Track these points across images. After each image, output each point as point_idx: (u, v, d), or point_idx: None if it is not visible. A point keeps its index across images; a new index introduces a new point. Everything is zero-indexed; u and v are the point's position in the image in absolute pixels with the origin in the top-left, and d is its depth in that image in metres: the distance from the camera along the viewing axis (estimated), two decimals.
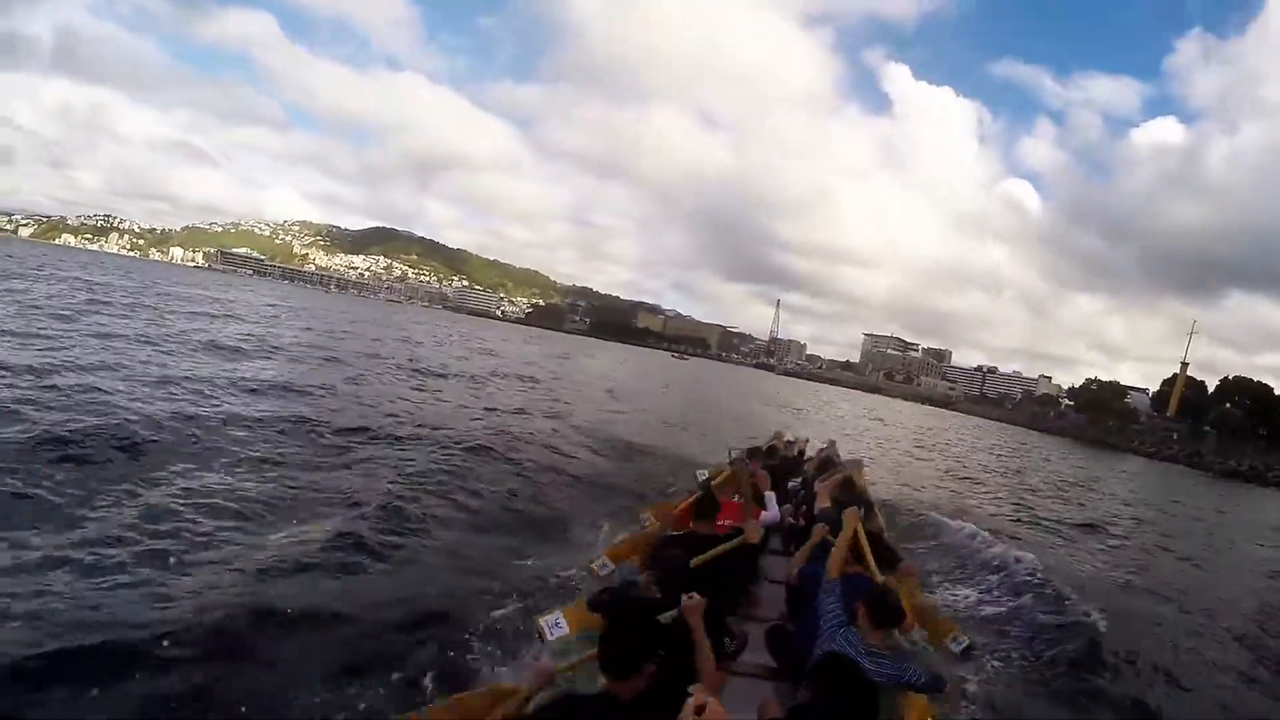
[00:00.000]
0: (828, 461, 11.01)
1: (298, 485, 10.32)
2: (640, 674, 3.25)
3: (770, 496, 8.12)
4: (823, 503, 7.32)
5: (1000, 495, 24.95)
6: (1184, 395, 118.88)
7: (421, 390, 23.58)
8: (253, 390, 17.41)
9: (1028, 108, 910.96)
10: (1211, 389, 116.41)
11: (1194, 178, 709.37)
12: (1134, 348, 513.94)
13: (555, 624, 5.28)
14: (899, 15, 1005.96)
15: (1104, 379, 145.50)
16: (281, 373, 21.44)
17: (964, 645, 6.01)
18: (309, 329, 44.18)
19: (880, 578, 5.66)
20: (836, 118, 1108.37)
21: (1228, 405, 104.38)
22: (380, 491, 10.39)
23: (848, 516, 5.73)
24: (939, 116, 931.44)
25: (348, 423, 15.32)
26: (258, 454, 11.54)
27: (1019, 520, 19.68)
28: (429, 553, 8.65)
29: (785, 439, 13.37)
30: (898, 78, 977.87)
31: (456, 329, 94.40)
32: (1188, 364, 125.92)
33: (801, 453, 13.13)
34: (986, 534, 13.83)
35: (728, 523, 6.65)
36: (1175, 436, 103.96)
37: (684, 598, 4.03)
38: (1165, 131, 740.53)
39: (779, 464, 10.94)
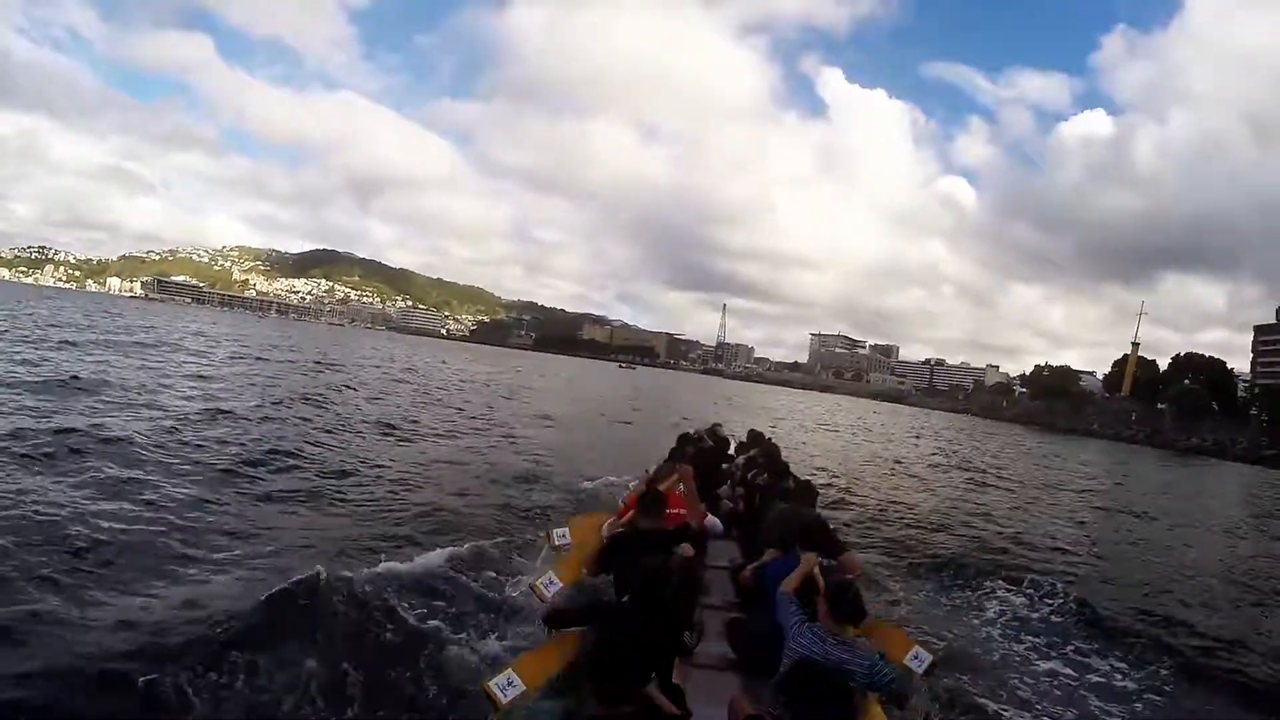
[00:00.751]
0: (755, 443, 12.67)
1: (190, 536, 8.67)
2: (638, 698, 3.23)
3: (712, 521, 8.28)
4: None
5: (979, 500, 21.55)
6: (1136, 375, 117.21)
7: (325, 433, 17.82)
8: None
9: (960, 105, 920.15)
10: (1161, 368, 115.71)
11: (1123, 167, 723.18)
12: (1076, 334, 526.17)
13: (508, 684, 4.30)
14: (831, 20, 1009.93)
15: (1040, 364, 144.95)
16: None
17: (927, 662, 5.24)
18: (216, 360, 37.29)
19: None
20: (774, 125, 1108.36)
21: (1186, 382, 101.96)
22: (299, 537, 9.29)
23: (806, 559, 5.46)
24: (874, 118, 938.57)
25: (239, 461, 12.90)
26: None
27: (1009, 533, 16.38)
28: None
29: (706, 430, 13.42)
30: (831, 81, 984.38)
31: (387, 349, 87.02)
32: (1139, 344, 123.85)
33: (725, 440, 13.66)
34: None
35: (679, 513, 6.94)
36: (1134, 416, 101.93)
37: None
38: (1093, 124, 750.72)
39: (702, 455, 10.57)
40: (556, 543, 6.81)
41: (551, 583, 5.62)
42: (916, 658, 5.26)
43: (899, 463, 30.49)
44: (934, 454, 38.99)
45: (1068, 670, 8.11)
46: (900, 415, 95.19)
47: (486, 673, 4.88)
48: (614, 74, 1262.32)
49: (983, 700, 6.77)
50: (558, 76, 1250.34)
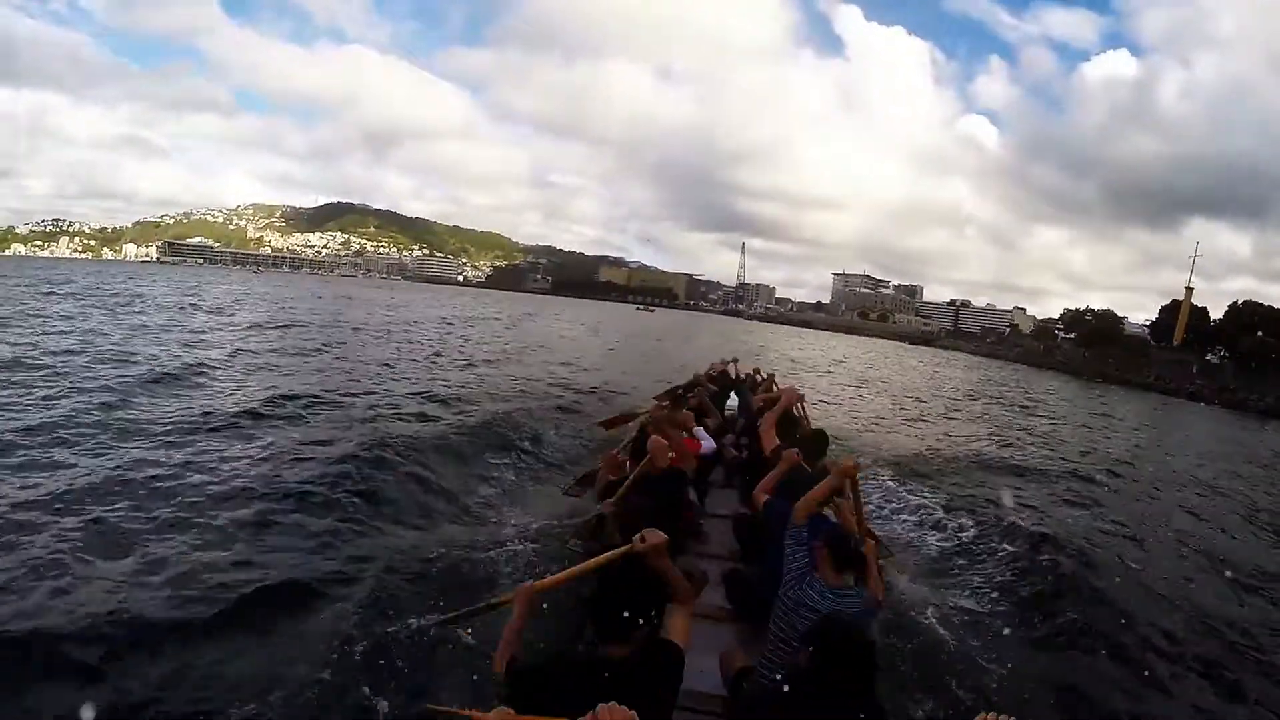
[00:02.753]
0: (764, 387, 11.89)
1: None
2: (633, 636, 3.17)
3: (700, 431, 8.24)
4: (769, 442, 6.86)
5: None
6: (1190, 323, 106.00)
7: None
8: None
9: (981, 44, 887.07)
10: (1213, 317, 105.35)
11: (1148, 109, 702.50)
12: (1099, 277, 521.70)
13: None
14: None
15: (1076, 308, 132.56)
16: None
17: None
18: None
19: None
20: (792, 64, 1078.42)
21: (1259, 334, 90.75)
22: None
23: (842, 468, 4.96)
24: (893, 56, 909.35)
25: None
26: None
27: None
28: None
29: (719, 368, 12.95)
30: (849, 19, 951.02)
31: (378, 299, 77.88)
32: (1192, 289, 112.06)
33: (736, 378, 13.03)
34: None
35: (672, 456, 6.30)
36: (1195, 369, 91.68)
37: (636, 539, 3.67)
38: (1117, 65, 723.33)
39: (709, 398, 10.29)
40: None
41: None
42: None
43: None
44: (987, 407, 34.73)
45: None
46: (951, 364, 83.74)
47: None
48: (628, 15, 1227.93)
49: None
50: (571, 19, 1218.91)
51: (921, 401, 32.72)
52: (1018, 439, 23.24)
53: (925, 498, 12.11)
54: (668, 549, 3.97)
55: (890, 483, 12.93)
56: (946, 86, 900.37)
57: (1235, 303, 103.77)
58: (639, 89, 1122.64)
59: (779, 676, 3.63)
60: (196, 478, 9.19)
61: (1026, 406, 37.11)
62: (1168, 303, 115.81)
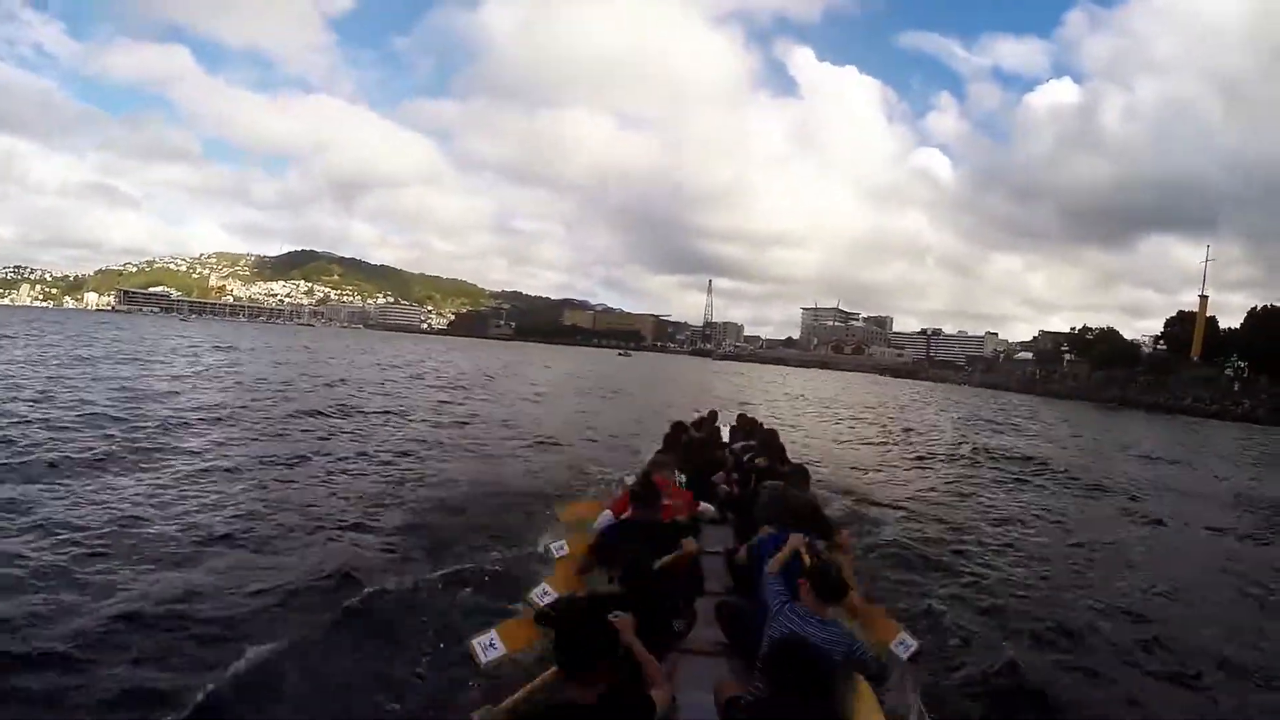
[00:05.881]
0: (749, 428, 12.30)
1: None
2: (600, 671, 3.09)
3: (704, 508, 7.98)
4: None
5: None
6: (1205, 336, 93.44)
7: None
8: None
9: (930, 77, 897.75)
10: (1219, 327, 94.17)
11: (1093, 134, 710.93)
12: (1060, 298, 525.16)
13: (489, 645, 4.42)
14: (805, 11, 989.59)
15: (1070, 328, 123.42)
16: None
17: (912, 649, 4.88)
18: None
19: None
20: (749, 106, 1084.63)
21: None
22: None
23: (792, 539, 5.19)
24: (846, 95, 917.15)
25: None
26: None
27: None
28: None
29: (699, 417, 12.99)
30: (802, 61, 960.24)
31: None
32: (1206, 297, 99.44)
33: (717, 428, 12.63)
34: None
35: (669, 503, 6.44)
36: (1236, 387, 78.63)
37: (610, 619, 3.54)
38: (1061, 93, 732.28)
39: (693, 442, 10.19)
40: (556, 555, 6.23)
41: (546, 594, 5.20)
42: (902, 643, 4.96)
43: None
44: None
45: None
46: (957, 401, 68.62)
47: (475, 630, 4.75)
48: (590, 65, 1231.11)
49: (969, 697, 5.96)
50: (534, 71, 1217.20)
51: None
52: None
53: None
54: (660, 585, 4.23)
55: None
56: (899, 122, 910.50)
57: (1254, 308, 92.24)
58: (601, 136, 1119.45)
59: (744, 703, 3.63)
60: None
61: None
62: (1172, 315, 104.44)
